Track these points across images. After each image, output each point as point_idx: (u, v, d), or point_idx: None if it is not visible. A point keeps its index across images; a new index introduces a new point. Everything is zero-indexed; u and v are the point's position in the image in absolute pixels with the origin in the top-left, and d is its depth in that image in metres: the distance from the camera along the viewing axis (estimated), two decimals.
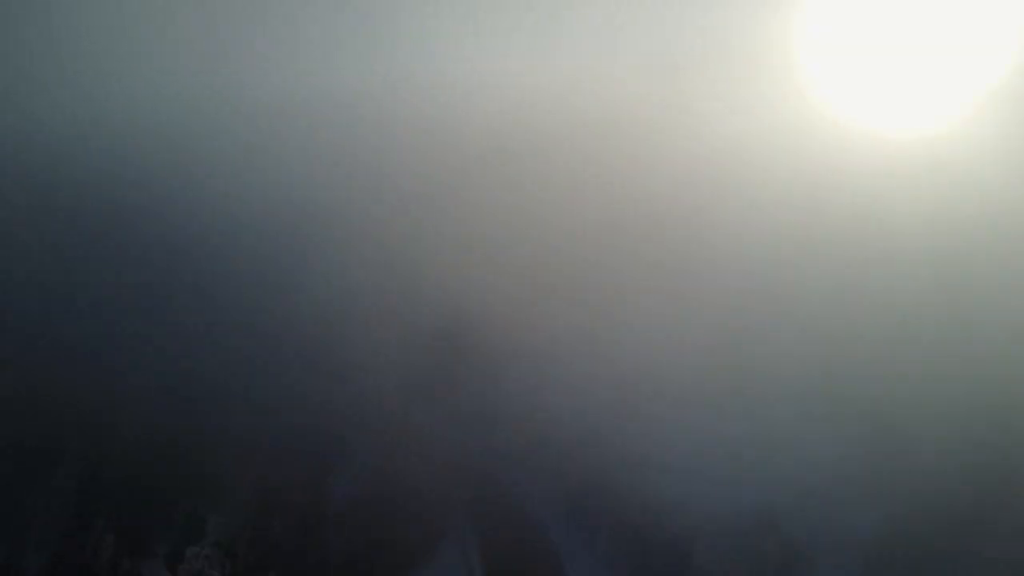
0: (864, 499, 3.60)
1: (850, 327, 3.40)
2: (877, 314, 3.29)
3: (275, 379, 4.52)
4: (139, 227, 4.69)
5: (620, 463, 4.53)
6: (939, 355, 3.07)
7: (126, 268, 4.56)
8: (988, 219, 3.78)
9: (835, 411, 3.45)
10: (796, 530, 4.78)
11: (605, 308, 4.28)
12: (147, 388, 4.10)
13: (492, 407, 4.85)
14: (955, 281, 3.22)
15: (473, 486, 5.19)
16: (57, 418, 3.70)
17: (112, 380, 4.00)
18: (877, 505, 3.64)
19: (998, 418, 3.54)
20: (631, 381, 4.50)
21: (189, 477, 4.44)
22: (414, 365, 5.55)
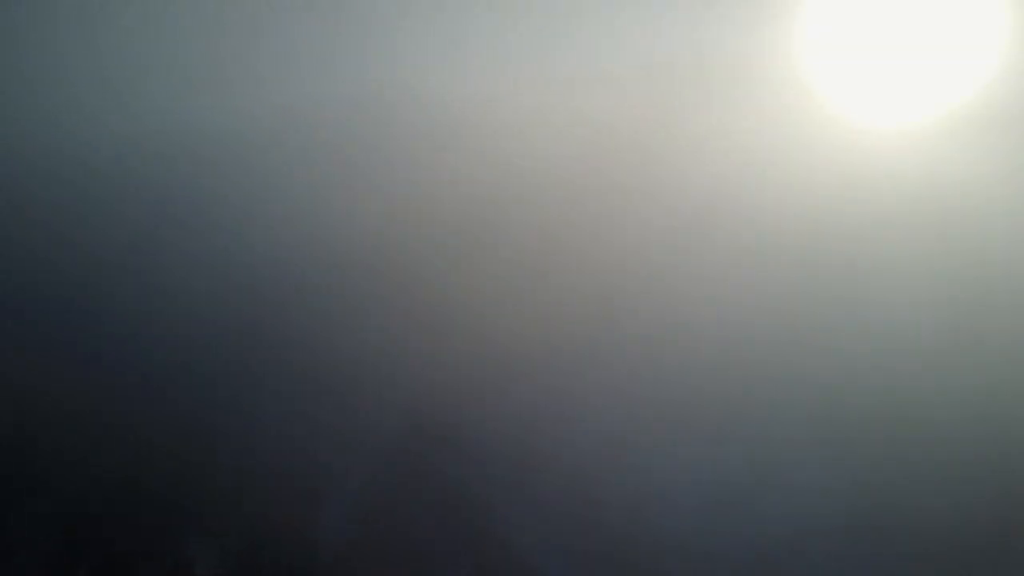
0: (870, 534, 3.49)
1: (857, 348, 3.30)
2: (886, 335, 3.19)
3: (266, 416, 4.43)
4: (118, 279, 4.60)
5: (620, 507, 4.43)
6: (953, 380, 2.96)
7: (118, 301, 4.47)
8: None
9: (842, 447, 3.36)
10: (797, 572, 4.67)
11: (600, 328, 4.20)
12: (134, 422, 4.01)
13: (484, 443, 4.75)
14: (967, 297, 3.13)
15: (468, 528, 5.07)
16: (39, 450, 3.60)
17: (97, 413, 3.91)
18: (881, 541, 3.54)
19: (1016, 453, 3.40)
20: (630, 415, 4.41)
21: (177, 514, 4.34)
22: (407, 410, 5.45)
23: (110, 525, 3.97)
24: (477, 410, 3.64)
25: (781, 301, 2.44)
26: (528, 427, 4.04)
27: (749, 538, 2.69)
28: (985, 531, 3.55)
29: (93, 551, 4.06)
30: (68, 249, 2.67)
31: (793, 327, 2.49)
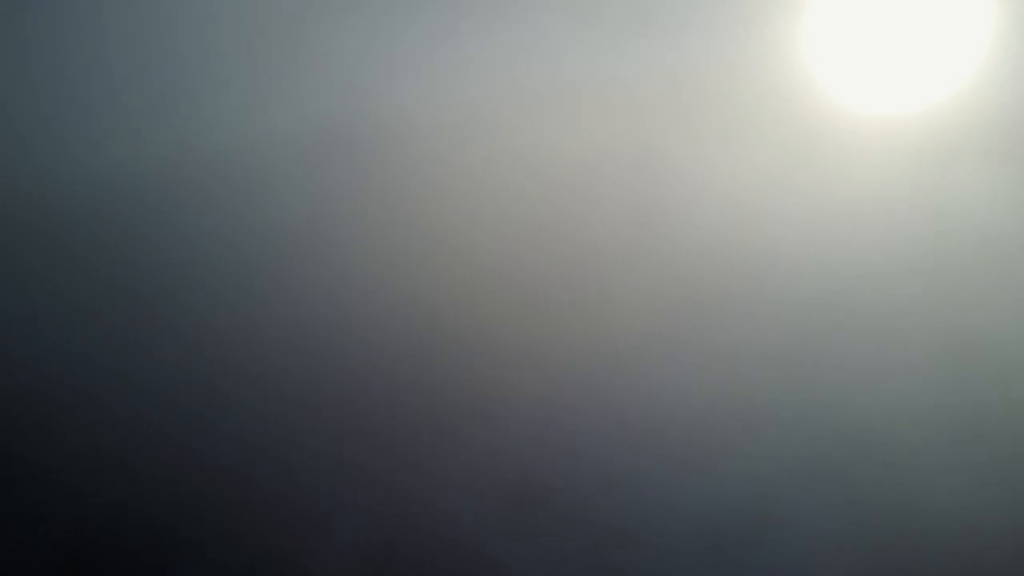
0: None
1: (864, 379, 3.21)
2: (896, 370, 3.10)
3: (263, 446, 4.38)
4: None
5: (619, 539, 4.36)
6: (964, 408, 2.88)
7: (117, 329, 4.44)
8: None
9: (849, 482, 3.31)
10: None
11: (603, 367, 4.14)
12: (129, 451, 3.97)
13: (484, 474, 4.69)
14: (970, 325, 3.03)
15: (466, 562, 5.00)
16: (31, 482, 3.57)
17: (91, 443, 3.88)
18: None
19: None
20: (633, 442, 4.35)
21: (175, 546, 4.29)
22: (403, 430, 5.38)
23: (107, 555, 3.94)
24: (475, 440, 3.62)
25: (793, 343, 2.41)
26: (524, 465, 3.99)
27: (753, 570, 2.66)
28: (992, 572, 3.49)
29: None
30: (81, 276, 2.64)
31: (798, 369, 2.45)
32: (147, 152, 2.19)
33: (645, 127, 2.14)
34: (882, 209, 2.12)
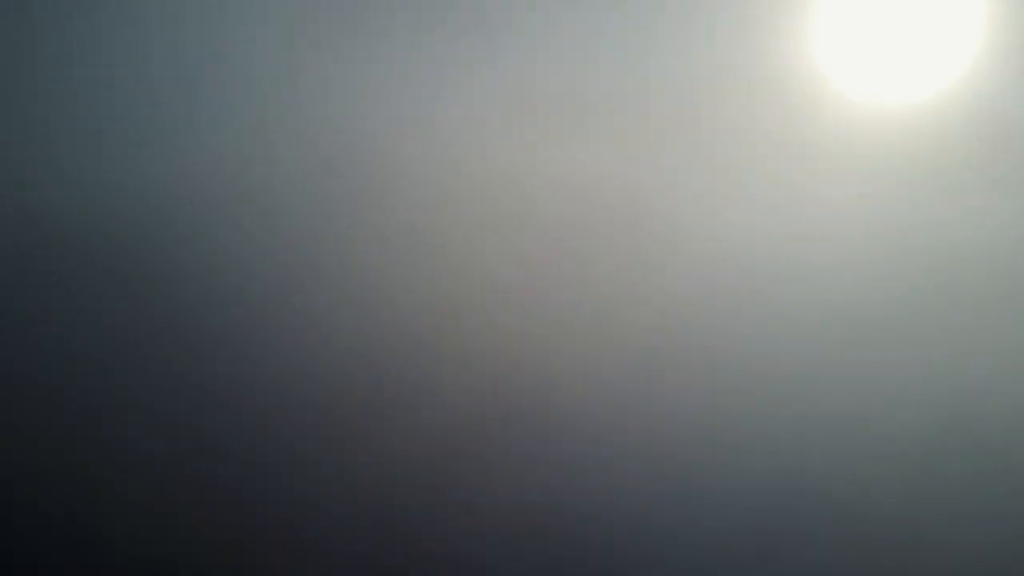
0: None
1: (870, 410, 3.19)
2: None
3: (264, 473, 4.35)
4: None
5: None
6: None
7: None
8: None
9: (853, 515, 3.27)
10: None
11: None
12: (137, 494, 3.95)
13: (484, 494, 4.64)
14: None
15: None
16: (43, 524, 3.56)
17: (100, 487, 3.86)
18: None
19: None
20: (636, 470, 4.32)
21: None
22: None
23: None
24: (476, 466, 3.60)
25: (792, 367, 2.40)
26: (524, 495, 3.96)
27: None
28: None
29: None
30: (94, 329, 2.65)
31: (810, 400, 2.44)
32: (150, 177, 2.20)
33: (647, 141, 2.15)
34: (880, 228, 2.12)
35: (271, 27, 2.18)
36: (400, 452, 2.24)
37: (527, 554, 2.30)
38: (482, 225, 2.12)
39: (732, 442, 2.16)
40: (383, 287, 2.19)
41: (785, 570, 2.23)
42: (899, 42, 2.02)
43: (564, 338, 2.20)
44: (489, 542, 2.30)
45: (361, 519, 2.36)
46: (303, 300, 2.27)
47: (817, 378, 2.15)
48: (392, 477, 2.24)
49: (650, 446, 2.21)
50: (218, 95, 2.26)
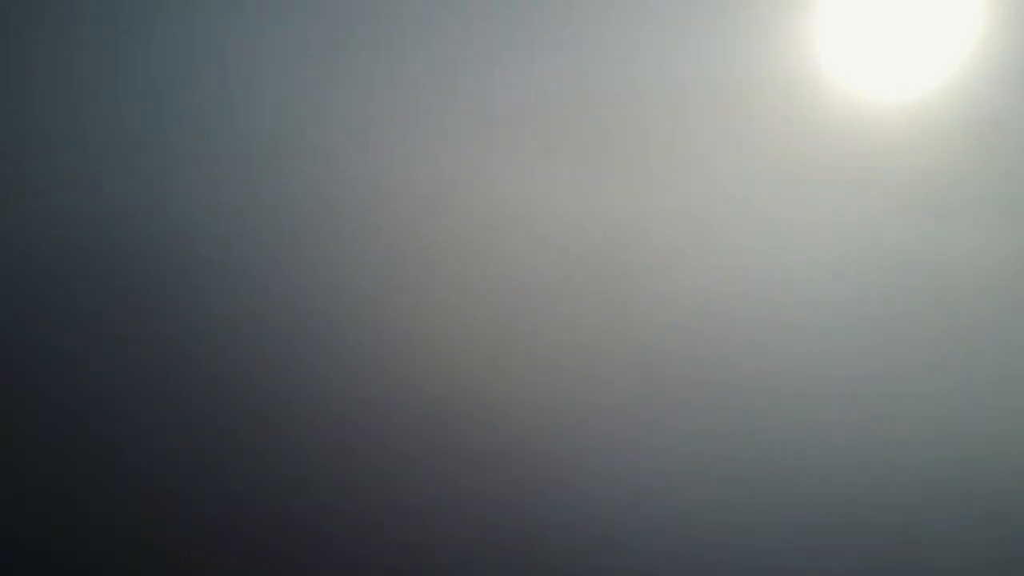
0: None
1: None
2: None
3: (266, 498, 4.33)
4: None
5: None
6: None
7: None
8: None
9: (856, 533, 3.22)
10: None
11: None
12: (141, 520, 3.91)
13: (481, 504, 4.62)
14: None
15: None
16: (43, 524, 3.53)
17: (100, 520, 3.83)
18: None
19: None
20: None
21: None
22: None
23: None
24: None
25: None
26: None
27: None
28: None
29: None
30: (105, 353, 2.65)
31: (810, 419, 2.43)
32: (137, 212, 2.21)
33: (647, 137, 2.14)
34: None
35: (279, 34, 2.18)
36: (397, 464, 2.24)
37: (533, 571, 2.30)
38: (477, 240, 2.11)
39: (730, 453, 2.16)
40: (383, 294, 2.19)
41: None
42: (899, 42, 2.02)
43: (564, 360, 2.19)
44: (488, 559, 2.30)
45: (360, 519, 2.36)
46: (303, 301, 2.27)
47: (817, 382, 2.15)
48: (392, 480, 2.25)
49: (654, 466, 2.20)
50: (219, 98, 2.27)
